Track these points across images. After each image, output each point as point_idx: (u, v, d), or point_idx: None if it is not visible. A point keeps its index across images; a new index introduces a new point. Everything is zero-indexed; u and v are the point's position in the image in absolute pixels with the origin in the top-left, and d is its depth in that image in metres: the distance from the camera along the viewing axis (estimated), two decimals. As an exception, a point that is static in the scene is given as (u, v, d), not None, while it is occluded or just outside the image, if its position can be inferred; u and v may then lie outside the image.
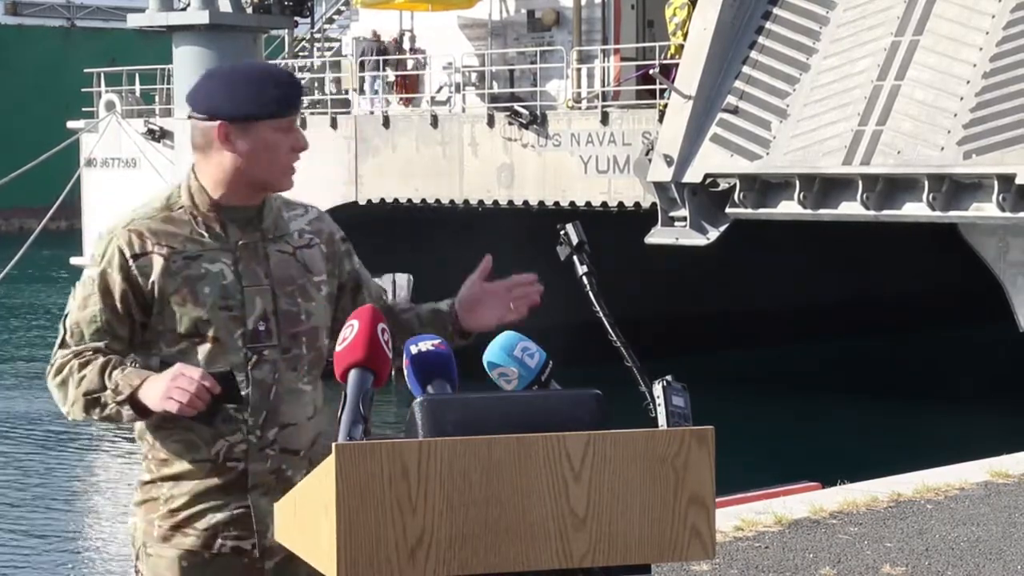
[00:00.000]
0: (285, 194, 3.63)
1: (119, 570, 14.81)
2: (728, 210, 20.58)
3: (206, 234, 3.48)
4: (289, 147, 3.48)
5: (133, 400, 3.37)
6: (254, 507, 3.48)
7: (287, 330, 3.50)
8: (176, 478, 3.49)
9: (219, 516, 3.48)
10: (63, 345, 3.48)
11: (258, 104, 3.44)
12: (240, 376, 3.42)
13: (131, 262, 3.44)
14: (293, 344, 3.51)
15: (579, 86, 25.44)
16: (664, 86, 21.89)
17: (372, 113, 26.75)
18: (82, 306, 3.47)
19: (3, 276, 27.09)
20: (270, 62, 3.68)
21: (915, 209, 19.11)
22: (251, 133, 3.46)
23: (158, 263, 3.43)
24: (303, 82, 29.28)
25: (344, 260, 3.66)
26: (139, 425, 3.51)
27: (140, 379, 3.38)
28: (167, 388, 3.29)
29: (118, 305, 3.45)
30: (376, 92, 27.43)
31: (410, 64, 28.43)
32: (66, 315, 3.51)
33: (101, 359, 3.42)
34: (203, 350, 3.44)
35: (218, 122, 3.45)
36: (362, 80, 27.55)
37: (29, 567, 15.50)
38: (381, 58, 27.56)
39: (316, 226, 3.63)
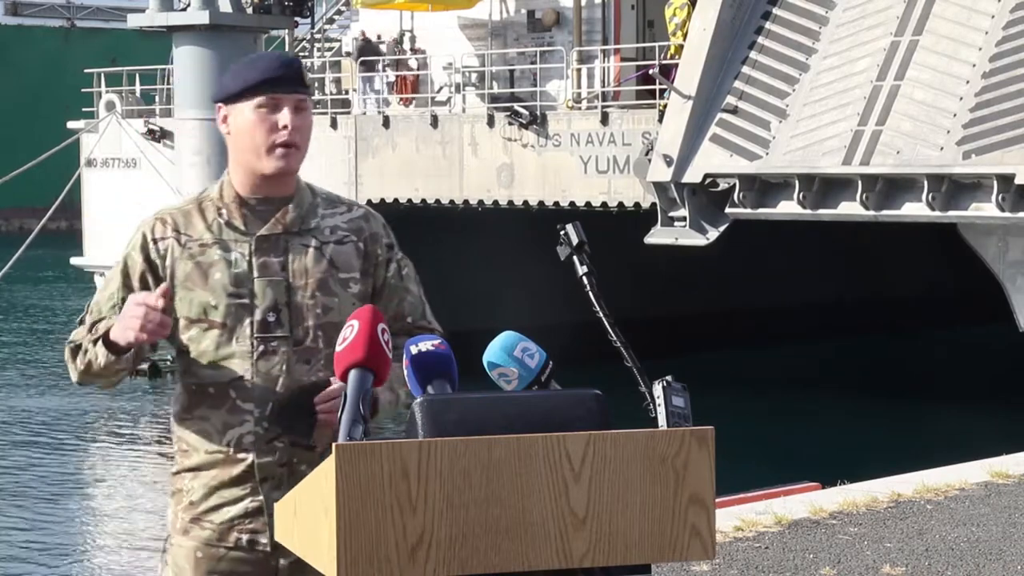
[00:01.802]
0: (338, 193, 3.65)
1: (149, 562, 14.79)
2: (728, 210, 20.58)
3: (225, 224, 3.53)
4: (271, 125, 3.46)
5: (106, 339, 3.43)
6: (266, 501, 3.47)
7: (301, 323, 3.50)
8: (195, 469, 3.53)
9: (234, 510, 3.50)
10: (82, 323, 3.56)
11: (242, 81, 3.48)
12: (245, 365, 3.46)
13: (151, 245, 3.52)
14: (307, 337, 3.50)
15: (579, 86, 25.44)
16: (664, 86, 21.88)
17: (365, 112, 26.73)
18: (104, 287, 3.57)
19: (3, 276, 27.07)
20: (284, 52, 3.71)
21: (915, 209, 19.10)
22: (238, 113, 3.50)
23: (174, 248, 3.51)
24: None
25: (380, 267, 3.61)
26: (172, 417, 3.59)
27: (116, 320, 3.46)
28: (123, 320, 3.37)
29: (136, 286, 3.51)
30: (375, 92, 27.39)
31: (411, 64, 28.42)
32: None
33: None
34: (212, 336, 3.48)
35: (218, 105, 3.55)
36: (363, 80, 27.53)
37: (50, 562, 15.49)
38: (380, 58, 27.53)
39: (356, 224, 3.60)
